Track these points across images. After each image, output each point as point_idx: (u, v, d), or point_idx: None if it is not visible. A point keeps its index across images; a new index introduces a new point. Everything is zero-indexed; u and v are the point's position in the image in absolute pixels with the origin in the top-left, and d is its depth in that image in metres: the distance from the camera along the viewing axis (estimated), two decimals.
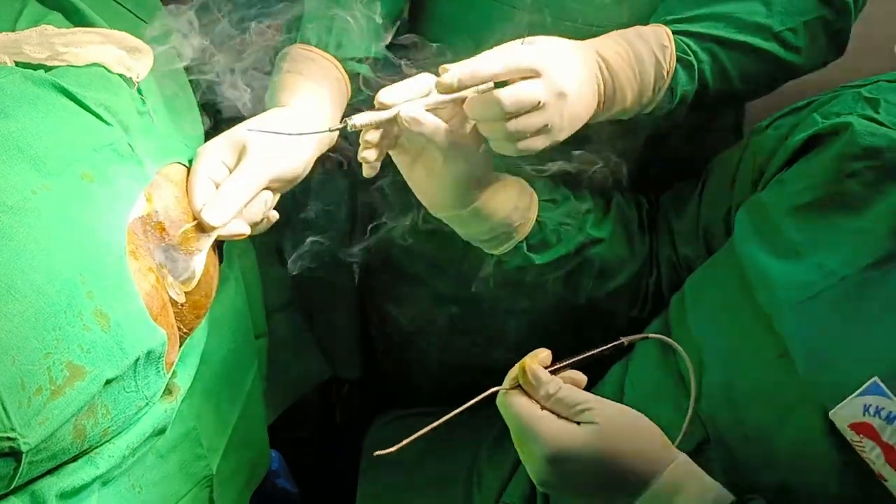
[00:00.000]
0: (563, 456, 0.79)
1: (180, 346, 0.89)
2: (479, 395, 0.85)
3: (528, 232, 1.04)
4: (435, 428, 0.84)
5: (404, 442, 0.83)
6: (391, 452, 0.82)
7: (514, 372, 0.85)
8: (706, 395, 0.90)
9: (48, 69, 0.83)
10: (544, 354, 0.85)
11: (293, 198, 1.07)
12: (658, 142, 1.16)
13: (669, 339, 0.92)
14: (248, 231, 0.92)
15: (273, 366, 1.24)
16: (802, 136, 0.93)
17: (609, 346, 0.89)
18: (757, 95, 1.10)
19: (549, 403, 0.82)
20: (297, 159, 0.96)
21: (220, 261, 1.00)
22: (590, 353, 0.88)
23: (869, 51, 1.12)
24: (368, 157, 0.92)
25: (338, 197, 1.28)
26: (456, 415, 0.84)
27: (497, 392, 0.86)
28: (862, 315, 0.80)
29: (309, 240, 1.21)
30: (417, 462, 1.26)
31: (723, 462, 0.87)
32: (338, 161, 1.18)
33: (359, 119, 0.89)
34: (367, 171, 0.94)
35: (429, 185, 0.97)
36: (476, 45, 0.93)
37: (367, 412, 1.72)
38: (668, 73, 0.98)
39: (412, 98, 0.90)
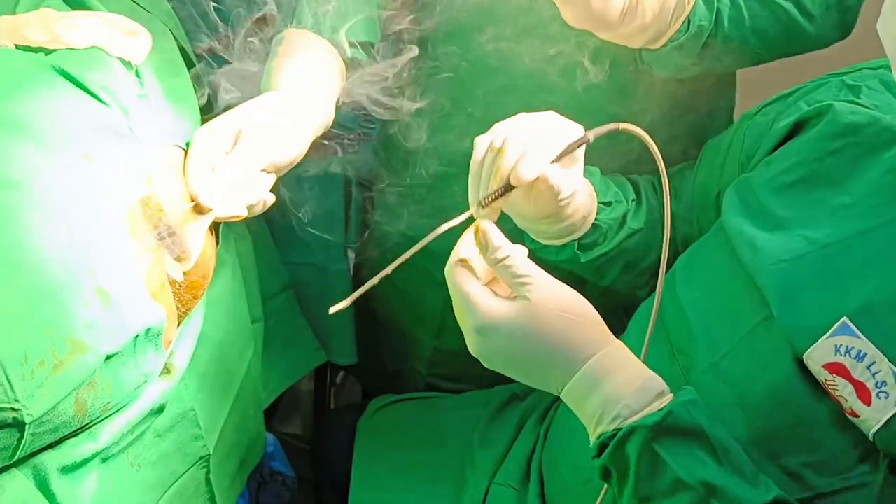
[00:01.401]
0: (489, 327, 0.80)
1: (178, 326, 0.90)
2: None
3: (584, 232, 1.06)
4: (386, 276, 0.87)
5: (356, 294, 0.88)
6: (343, 308, 0.88)
7: (465, 238, 0.85)
8: (693, 362, 0.92)
9: (48, 52, 0.85)
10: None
11: (289, 183, 1.08)
12: (657, 124, 1.17)
13: (632, 127, 0.90)
14: (244, 213, 0.93)
15: (268, 351, 1.25)
16: (788, 122, 0.96)
17: (576, 142, 0.89)
18: (762, 59, 1.11)
19: (495, 268, 0.83)
20: (294, 143, 0.97)
21: (217, 243, 1.01)
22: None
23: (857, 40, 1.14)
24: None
25: (333, 182, 1.29)
26: (414, 252, 0.87)
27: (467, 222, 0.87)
28: (839, 270, 0.83)
29: (304, 226, 1.22)
30: (411, 445, 1.28)
31: None
32: (333, 147, 1.19)
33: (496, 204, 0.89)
34: None
35: (534, 205, 0.97)
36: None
37: (361, 397, 1.74)
38: (689, 2, 0.99)
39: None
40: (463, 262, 0.84)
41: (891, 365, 0.77)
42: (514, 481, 1.14)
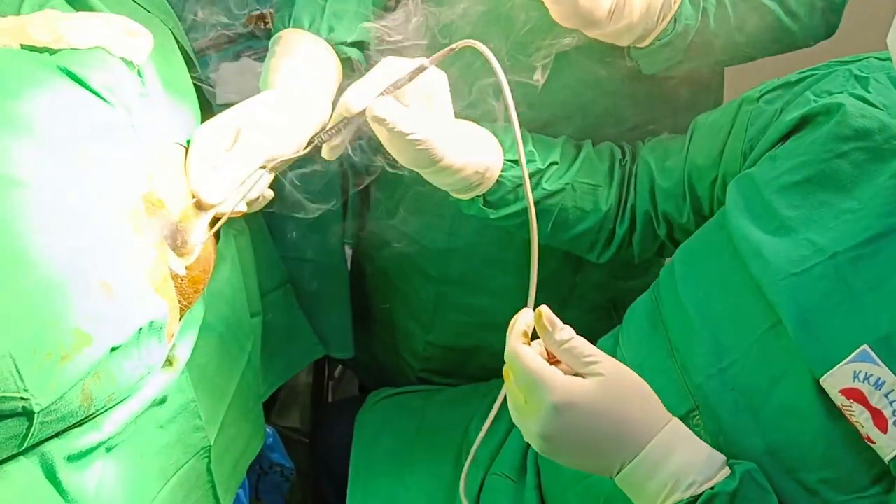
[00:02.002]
0: (569, 403, 0.80)
1: (180, 319, 0.92)
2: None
3: (488, 188, 1.07)
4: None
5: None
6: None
7: (518, 321, 0.86)
8: (696, 364, 0.92)
9: (53, 52, 0.87)
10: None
11: (286, 178, 1.10)
12: (644, 119, 1.19)
13: (469, 42, 0.91)
14: (244, 209, 0.96)
15: (266, 345, 1.26)
16: (796, 116, 0.94)
17: (414, 70, 0.93)
18: (749, 57, 1.12)
19: (559, 350, 0.84)
20: (291, 139, 0.99)
21: (217, 239, 1.03)
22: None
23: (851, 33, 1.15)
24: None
25: (329, 178, 1.30)
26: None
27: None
28: (852, 288, 0.81)
29: (301, 221, 1.24)
30: (409, 436, 1.29)
31: (710, 428, 0.89)
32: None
33: (334, 141, 0.98)
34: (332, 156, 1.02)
35: (398, 151, 1.00)
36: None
37: (358, 391, 1.75)
38: (675, 1, 1.01)
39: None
40: (526, 341, 0.85)
41: None
42: (510, 472, 1.15)
